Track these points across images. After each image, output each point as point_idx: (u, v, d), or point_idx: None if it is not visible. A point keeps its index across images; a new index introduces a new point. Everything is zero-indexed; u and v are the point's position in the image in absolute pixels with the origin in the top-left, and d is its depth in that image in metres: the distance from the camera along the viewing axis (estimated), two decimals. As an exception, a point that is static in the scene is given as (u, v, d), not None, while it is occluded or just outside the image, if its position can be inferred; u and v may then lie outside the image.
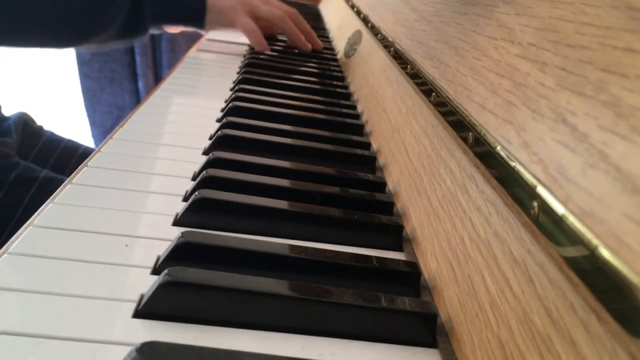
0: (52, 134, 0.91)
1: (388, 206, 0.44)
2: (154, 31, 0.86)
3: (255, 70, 0.79)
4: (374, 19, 0.77)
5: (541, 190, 0.24)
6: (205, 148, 0.52)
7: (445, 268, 0.33)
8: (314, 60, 0.91)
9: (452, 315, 0.31)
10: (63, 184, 0.40)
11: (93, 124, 1.81)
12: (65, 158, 0.85)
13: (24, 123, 0.87)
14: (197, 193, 0.39)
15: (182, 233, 0.34)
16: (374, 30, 0.75)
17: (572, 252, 0.22)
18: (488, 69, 0.35)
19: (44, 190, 0.72)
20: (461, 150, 0.36)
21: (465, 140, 0.35)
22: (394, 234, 0.40)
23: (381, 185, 0.48)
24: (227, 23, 0.88)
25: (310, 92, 0.73)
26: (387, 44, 0.65)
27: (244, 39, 0.98)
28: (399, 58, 0.57)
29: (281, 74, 0.78)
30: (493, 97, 0.33)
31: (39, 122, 0.93)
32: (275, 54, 0.91)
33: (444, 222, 0.36)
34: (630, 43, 0.23)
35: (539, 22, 0.32)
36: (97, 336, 0.27)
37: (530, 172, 0.26)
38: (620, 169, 0.20)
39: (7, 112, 0.88)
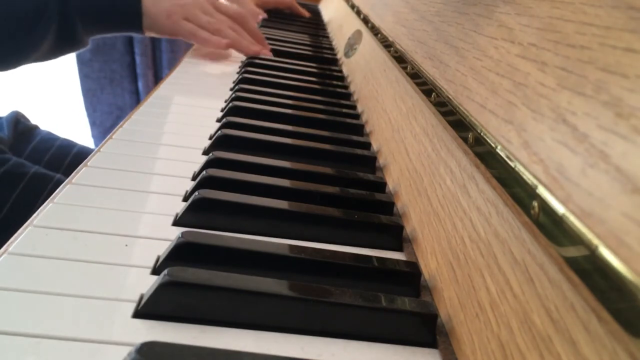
0: (48, 133, 0.91)
1: (388, 206, 0.44)
2: (94, 37, 0.83)
3: (255, 70, 0.79)
4: (374, 19, 0.77)
5: (541, 190, 0.24)
6: (205, 148, 0.52)
7: (446, 268, 0.33)
8: (314, 60, 0.91)
9: (452, 315, 0.31)
10: (63, 184, 0.40)
11: (93, 124, 1.81)
12: (59, 156, 0.85)
13: (17, 121, 0.87)
14: (197, 193, 0.39)
15: (182, 233, 0.34)
16: (374, 30, 0.75)
17: (572, 252, 0.22)
18: (488, 69, 0.35)
19: (33, 187, 0.71)
20: (461, 150, 0.36)
21: (465, 140, 0.35)
22: (394, 234, 0.40)
23: (381, 185, 0.48)
24: (166, 30, 0.83)
25: (310, 92, 0.73)
26: (387, 44, 0.65)
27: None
28: (399, 58, 0.57)
29: (281, 74, 0.78)
30: (493, 97, 0.33)
31: (39, 123, 0.93)
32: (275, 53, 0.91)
33: (444, 222, 0.36)
34: (630, 43, 0.23)
35: (539, 22, 0.32)
36: (97, 336, 0.27)
37: (530, 172, 0.26)
38: (620, 169, 0.20)
39: (6, 113, 0.88)
